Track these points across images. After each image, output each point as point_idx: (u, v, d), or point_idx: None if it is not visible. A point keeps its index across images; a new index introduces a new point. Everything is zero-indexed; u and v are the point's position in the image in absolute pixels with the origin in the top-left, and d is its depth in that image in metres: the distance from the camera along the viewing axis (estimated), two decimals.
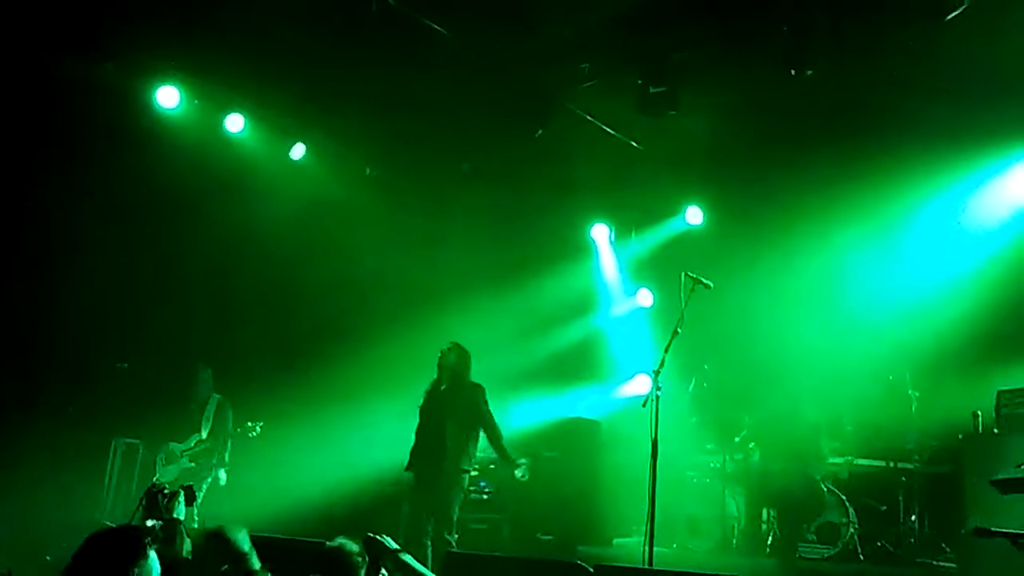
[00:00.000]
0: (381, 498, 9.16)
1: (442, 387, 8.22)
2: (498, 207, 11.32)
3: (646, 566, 6.28)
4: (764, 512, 9.31)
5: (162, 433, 9.24)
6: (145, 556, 2.90)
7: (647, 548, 6.29)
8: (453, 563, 6.21)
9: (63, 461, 8.54)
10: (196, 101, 10.22)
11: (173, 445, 9.26)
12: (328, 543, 4.64)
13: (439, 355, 8.28)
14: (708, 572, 6.18)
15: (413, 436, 8.33)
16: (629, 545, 9.65)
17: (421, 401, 8.32)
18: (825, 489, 9.00)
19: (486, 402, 8.11)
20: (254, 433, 9.33)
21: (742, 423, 9.81)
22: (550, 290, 12.03)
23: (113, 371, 9.60)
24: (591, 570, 5.87)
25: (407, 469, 8.27)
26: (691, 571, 5.29)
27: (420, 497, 8.13)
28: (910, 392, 9.12)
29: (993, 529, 5.68)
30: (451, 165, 11.37)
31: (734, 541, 9.49)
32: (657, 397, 6.59)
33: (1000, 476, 5.88)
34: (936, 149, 8.72)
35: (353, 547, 4.59)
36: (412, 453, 8.28)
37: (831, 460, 9.27)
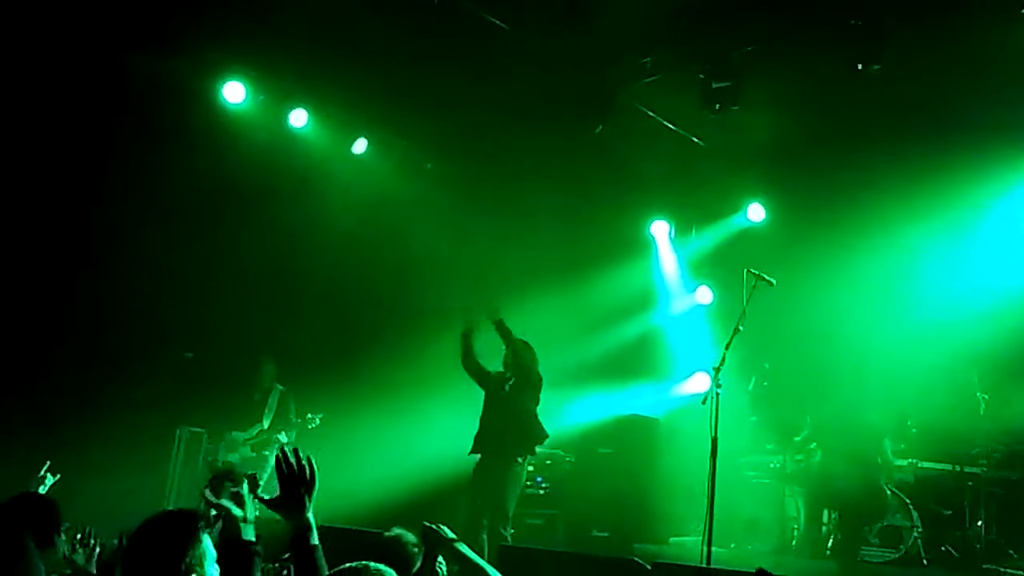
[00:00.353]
0: (439, 491, 9.22)
1: (506, 376, 8.33)
2: (558, 203, 11.29)
3: (705, 565, 6.23)
4: (825, 514, 9.15)
5: (225, 422, 9.43)
6: (198, 539, 2.95)
7: (705, 548, 6.23)
8: (508, 557, 6.22)
9: (129, 448, 8.73)
10: (261, 96, 10.37)
11: (236, 433, 9.44)
12: (385, 533, 4.69)
13: (503, 351, 8.40)
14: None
15: (476, 424, 8.44)
16: (686, 544, 9.57)
17: (491, 379, 8.44)
18: (888, 492, 8.83)
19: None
20: (314, 424, 9.48)
21: (803, 423, 9.66)
22: (610, 287, 11.98)
23: (179, 360, 9.81)
24: (648, 568, 5.85)
25: (472, 452, 8.38)
26: (750, 571, 5.21)
27: (478, 489, 8.24)
28: (978, 395, 8.92)
29: None
30: (512, 161, 11.37)
31: (793, 543, 9.37)
32: (717, 395, 6.54)
33: None
34: (1006, 146, 8.49)
35: (410, 538, 4.62)
36: (476, 439, 8.39)
37: (895, 463, 9.09)
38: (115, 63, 8.90)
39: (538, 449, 8.71)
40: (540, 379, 8.41)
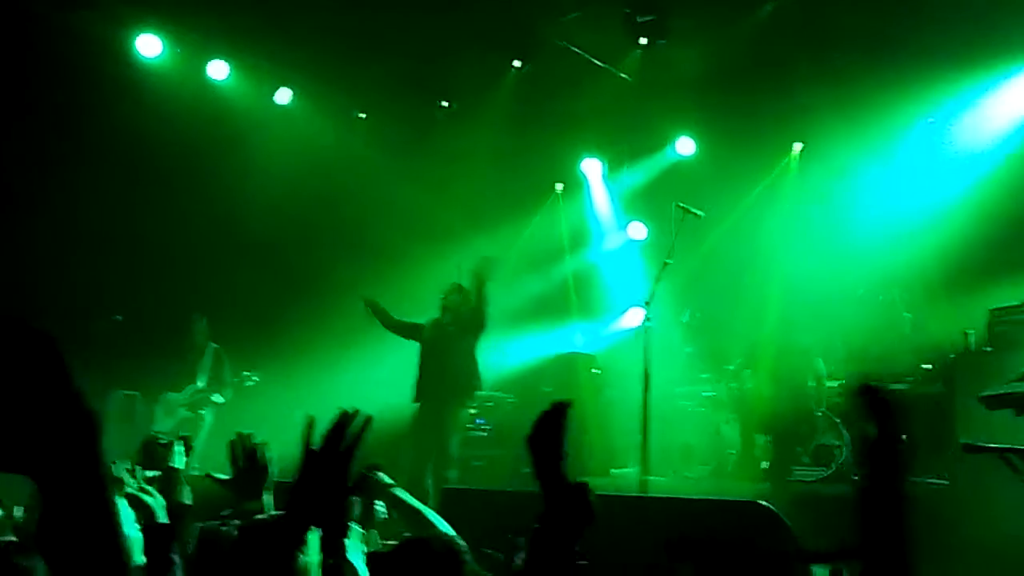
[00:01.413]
0: (381, 439, 9.24)
1: (444, 322, 8.37)
2: (486, 145, 11.22)
3: (640, 494, 6.39)
4: (758, 438, 9.39)
5: (159, 383, 9.33)
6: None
7: (639, 477, 6.38)
8: (450, 499, 6.29)
9: None
10: (178, 49, 10.11)
11: (171, 395, 9.35)
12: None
13: (442, 296, 8.42)
14: (699, 497, 6.28)
15: (416, 371, 8.50)
16: (626, 476, 9.77)
17: (423, 335, 8.48)
18: (819, 413, 9.08)
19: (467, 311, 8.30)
20: (251, 383, 9.44)
21: (735, 351, 9.86)
22: (542, 227, 12.05)
23: (109, 323, 9.63)
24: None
25: (414, 400, 8.46)
26: (679, 496, 5.37)
27: (422, 435, 8.34)
28: (904, 314, 9.18)
29: (981, 444, 5.77)
30: (435, 104, 11.30)
31: (729, 467, 9.62)
32: (648, 329, 6.64)
33: (987, 392, 5.94)
34: (923, 69, 8.64)
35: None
36: (416, 387, 8.45)
37: (828, 384, 9.34)
38: (23, 14, 8.59)
39: (479, 392, 8.83)
40: (484, 326, 8.41)
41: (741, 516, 5.28)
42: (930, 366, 9.08)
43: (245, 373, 9.50)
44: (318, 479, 1.99)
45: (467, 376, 8.45)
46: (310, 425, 2.06)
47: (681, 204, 7.16)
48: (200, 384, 9.41)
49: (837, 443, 9.01)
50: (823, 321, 9.06)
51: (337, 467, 1.99)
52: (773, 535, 5.20)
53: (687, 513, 5.31)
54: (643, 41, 10.09)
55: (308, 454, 2.01)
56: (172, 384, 9.37)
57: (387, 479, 4.64)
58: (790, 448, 8.95)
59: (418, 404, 8.43)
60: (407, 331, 8.60)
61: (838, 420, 9.06)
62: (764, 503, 5.47)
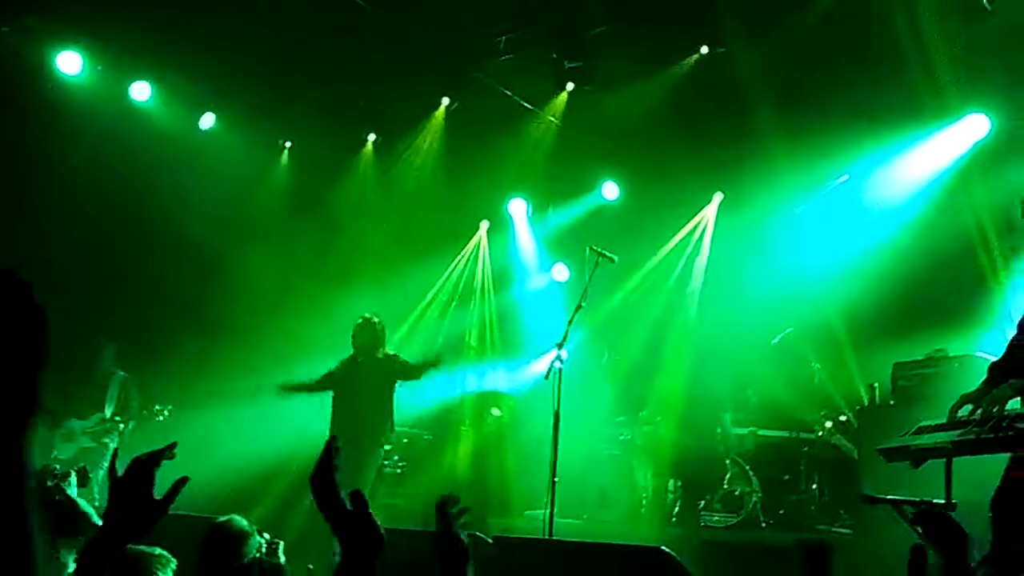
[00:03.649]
0: (291, 475, 9.14)
1: (359, 359, 8.31)
2: (414, 178, 11.24)
3: (546, 536, 6.36)
4: (671, 483, 9.45)
5: (61, 410, 9.00)
6: None
7: (547, 520, 6.35)
8: None
9: None
10: (99, 67, 9.93)
11: (74, 422, 9.01)
12: (218, 518, 4.61)
13: (353, 330, 8.34)
14: (607, 542, 6.26)
15: (330, 411, 8.41)
16: (539, 517, 9.72)
17: (335, 377, 8.40)
18: (728, 461, 9.18)
19: (402, 360, 8.42)
20: (162, 417, 9.17)
21: (649, 396, 9.93)
22: (468, 263, 12.06)
23: None
24: (490, 541, 5.92)
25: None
26: (581, 540, 5.36)
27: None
28: (813, 365, 9.37)
29: (877, 496, 5.86)
30: (360, 136, 11.31)
31: (642, 511, 9.63)
32: (560, 370, 6.65)
33: (885, 445, 6.05)
34: (837, 127, 8.91)
35: (241, 522, 4.56)
36: (331, 428, 8.35)
37: (735, 431, 9.46)
38: None
39: (393, 431, 8.78)
40: (393, 371, 8.43)
41: (644, 562, 5.30)
42: (843, 417, 9.26)
43: (157, 407, 9.22)
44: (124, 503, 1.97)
45: (382, 414, 8.39)
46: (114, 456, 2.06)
47: (595, 247, 7.20)
48: (107, 413, 9.10)
49: (747, 489, 9.11)
50: (734, 370, 9.20)
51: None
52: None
53: (590, 557, 5.30)
54: (570, 86, 10.25)
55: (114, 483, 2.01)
56: (76, 411, 9.04)
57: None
58: (699, 494, 9.03)
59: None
60: (324, 384, 8.49)
61: (748, 467, 9.17)
62: (666, 549, 5.50)
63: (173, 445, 2.14)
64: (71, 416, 8.99)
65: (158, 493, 1.98)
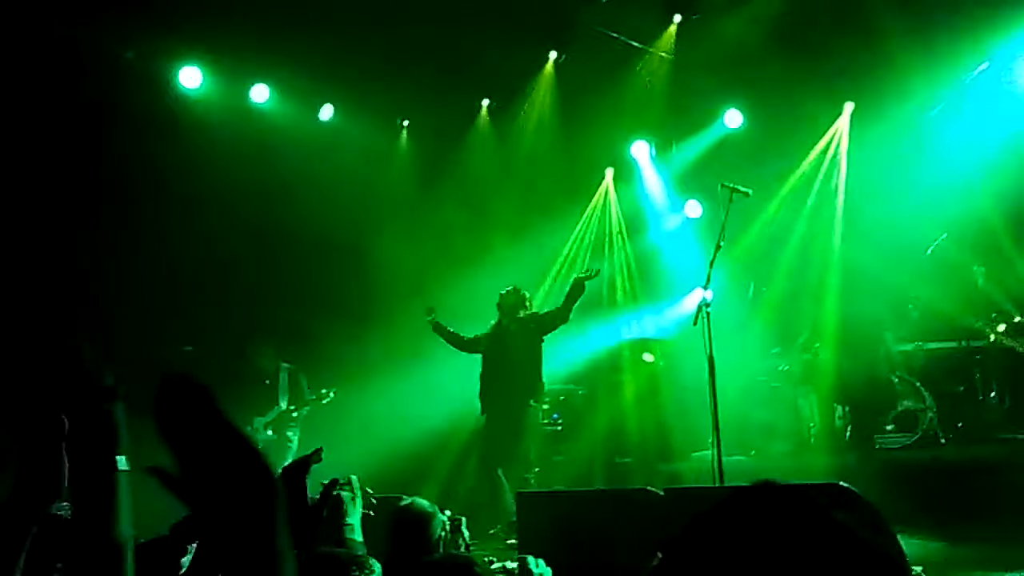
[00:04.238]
0: (451, 450, 9.40)
1: (504, 323, 8.49)
2: (532, 139, 11.18)
3: (716, 481, 6.28)
4: (838, 409, 9.17)
5: (240, 410, 9.42)
6: None
7: (715, 460, 6.28)
8: (525, 503, 6.29)
9: (147, 453, 8.76)
10: (219, 78, 10.27)
11: (257, 419, 9.44)
12: (401, 501, 4.74)
13: (499, 298, 8.56)
14: (780, 478, 6.13)
15: (480, 381, 8.57)
16: (706, 458, 9.65)
17: (482, 345, 8.54)
18: (895, 379, 8.83)
19: (544, 311, 8.70)
20: (328, 399, 9.52)
21: (803, 325, 9.63)
22: (596, 216, 11.93)
23: (180, 356, 9.80)
24: (661, 493, 5.91)
25: (482, 412, 8.57)
26: (756, 480, 5.24)
27: (492, 443, 8.40)
28: (974, 268, 8.87)
29: None
30: (474, 104, 11.30)
31: (811, 441, 9.41)
32: (708, 313, 6.52)
33: None
34: (971, 13, 8.31)
35: (423, 503, 4.67)
36: (481, 396, 8.52)
37: (897, 349, 9.07)
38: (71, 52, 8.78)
39: (549, 387, 8.87)
40: (539, 325, 8.57)
41: (826, 499, 5.15)
42: (1017, 319, 8.77)
43: (323, 391, 9.59)
44: None
45: (531, 375, 8.50)
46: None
47: (727, 184, 6.99)
48: (282, 405, 9.51)
49: (920, 406, 8.78)
50: (890, 286, 8.80)
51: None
52: (856, 516, 5.06)
53: (766, 499, 5.20)
54: (677, 18, 9.95)
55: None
56: (255, 410, 9.46)
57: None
58: (870, 417, 8.73)
59: (485, 413, 8.50)
60: (470, 346, 8.76)
61: (918, 384, 8.82)
62: (845, 485, 5.33)
63: (320, 450, 2.19)
64: (253, 414, 9.42)
65: None
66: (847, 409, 8.97)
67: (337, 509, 3.62)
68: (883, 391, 8.62)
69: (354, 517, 3.58)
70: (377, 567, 3.00)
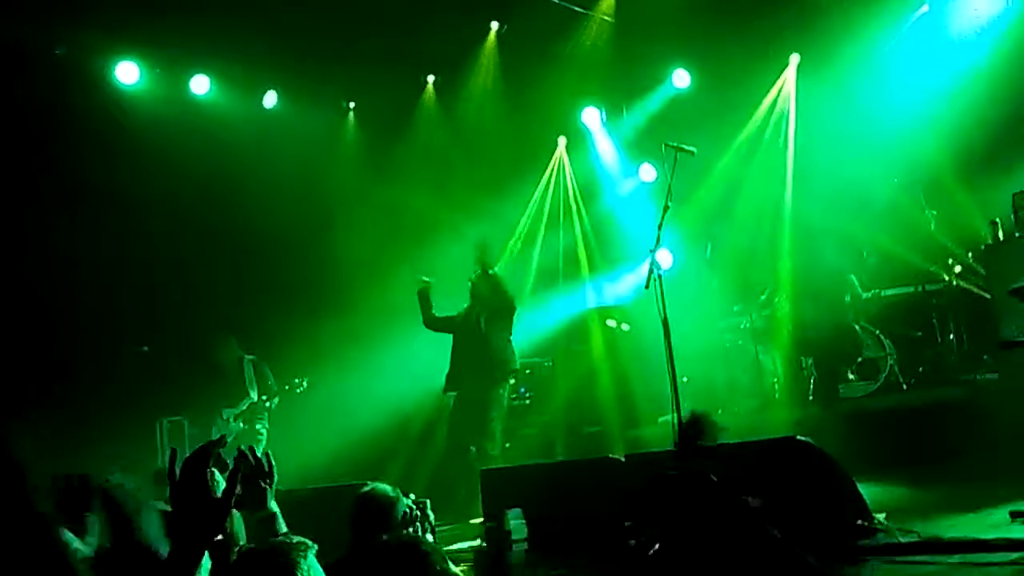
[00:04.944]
0: (415, 432, 9.36)
1: (476, 309, 8.58)
2: (480, 113, 11.05)
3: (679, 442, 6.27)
4: (801, 361, 9.21)
5: (205, 404, 9.32)
6: None
7: (676, 424, 6.26)
8: (490, 479, 6.27)
9: (110, 453, 8.64)
10: (156, 71, 10.05)
11: (225, 411, 9.32)
12: (361, 489, 4.70)
13: (470, 284, 8.62)
14: (748, 438, 6.15)
15: (450, 360, 8.58)
16: (671, 422, 9.67)
17: (456, 319, 8.62)
18: (858, 328, 8.87)
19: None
20: (301, 389, 9.43)
21: (764, 279, 9.65)
22: (552, 184, 11.87)
23: (135, 356, 9.66)
24: (623, 460, 5.90)
25: (445, 391, 8.57)
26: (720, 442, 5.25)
27: (459, 420, 8.41)
28: (926, 212, 8.90)
29: (1018, 339, 5.58)
30: (419, 81, 11.16)
31: (776, 396, 9.46)
32: (660, 276, 6.48)
33: (1018, 284, 5.74)
34: None
35: (385, 488, 4.62)
36: (450, 376, 8.50)
37: (862, 297, 9.13)
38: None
39: (515, 372, 8.88)
40: (515, 308, 8.66)
41: (780, 455, 5.16)
42: (962, 263, 8.82)
43: (296, 380, 9.49)
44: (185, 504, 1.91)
45: (502, 359, 8.58)
46: (172, 458, 2.02)
47: (670, 143, 6.92)
48: (253, 396, 9.40)
49: (881, 354, 8.82)
50: (844, 234, 8.82)
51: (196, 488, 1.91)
52: (815, 467, 5.08)
53: (722, 460, 5.19)
54: None
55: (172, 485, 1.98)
56: (224, 402, 9.35)
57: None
58: (834, 367, 8.76)
59: (454, 393, 8.48)
60: (444, 326, 8.78)
61: (877, 332, 8.86)
62: (802, 438, 5.35)
63: (222, 439, 2.14)
64: (223, 408, 9.31)
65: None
66: (811, 361, 9.01)
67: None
68: (848, 340, 8.67)
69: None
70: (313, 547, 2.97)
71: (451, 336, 8.75)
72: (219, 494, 1.98)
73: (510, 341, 8.67)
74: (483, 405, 8.40)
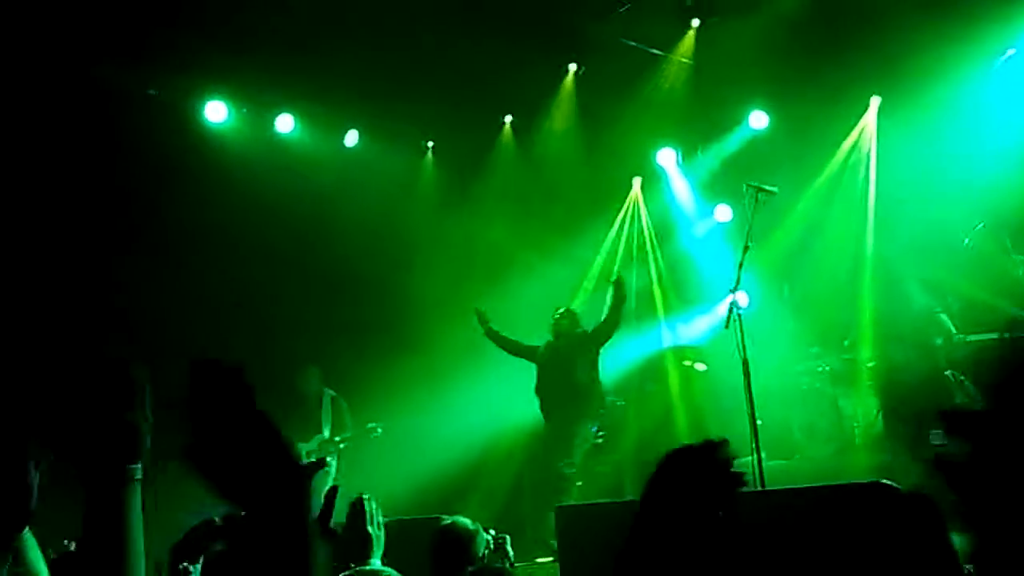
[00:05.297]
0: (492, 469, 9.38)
1: (560, 344, 8.68)
2: (557, 154, 11.16)
3: (757, 486, 6.19)
4: (886, 407, 8.97)
5: (284, 433, 9.43)
6: None
7: (755, 465, 6.19)
8: (565, 516, 6.23)
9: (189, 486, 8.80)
10: (243, 110, 10.38)
11: (300, 446, 9.46)
12: (442, 520, 4.73)
13: (553, 322, 8.77)
14: (820, 484, 6.04)
15: (537, 394, 8.70)
16: (748, 463, 9.52)
17: (538, 357, 8.74)
18: (948, 373, 8.62)
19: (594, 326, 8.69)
20: (375, 435, 9.51)
21: (844, 322, 9.46)
22: (626, 226, 11.89)
23: None
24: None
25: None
26: (798, 486, 5.17)
27: (548, 452, 8.47)
28: (1014, 257, 8.68)
29: None
30: (497, 121, 11.32)
31: (857, 440, 9.25)
32: (739, 315, 6.45)
33: None
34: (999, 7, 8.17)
35: (465, 522, 4.66)
36: (542, 408, 8.67)
37: (955, 339, 8.86)
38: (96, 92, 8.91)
39: (603, 406, 8.95)
40: (613, 334, 8.70)
41: (864, 500, 5.04)
42: None
43: (370, 425, 9.58)
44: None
45: (591, 388, 8.63)
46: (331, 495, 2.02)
47: (752, 183, 6.91)
48: (325, 433, 9.50)
49: (966, 401, 8.56)
50: (928, 279, 8.64)
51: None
52: (902, 516, 4.94)
53: (802, 503, 5.10)
54: (695, 22, 9.92)
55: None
56: (300, 435, 9.49)
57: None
58: (923, 414, 8.45)
59: (546, 423, 8.67)
60: (525, 353, 8.87)
61: (963, 378, 8.62)
62: (887, 482, 5.21)
63: (323, 461, 2.19)
64: (297, 440, 9.45)
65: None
66: (892, 407, 8.77)
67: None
68: (936, 386, 8.32)
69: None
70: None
71: (530, 368, 8.83)
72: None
73: (599, 373, 8.74)
74: (567, 442, 8.45)
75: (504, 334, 8.96)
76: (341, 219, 10.31)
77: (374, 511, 4.05)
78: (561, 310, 8.80)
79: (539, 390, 8.72)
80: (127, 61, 9.04)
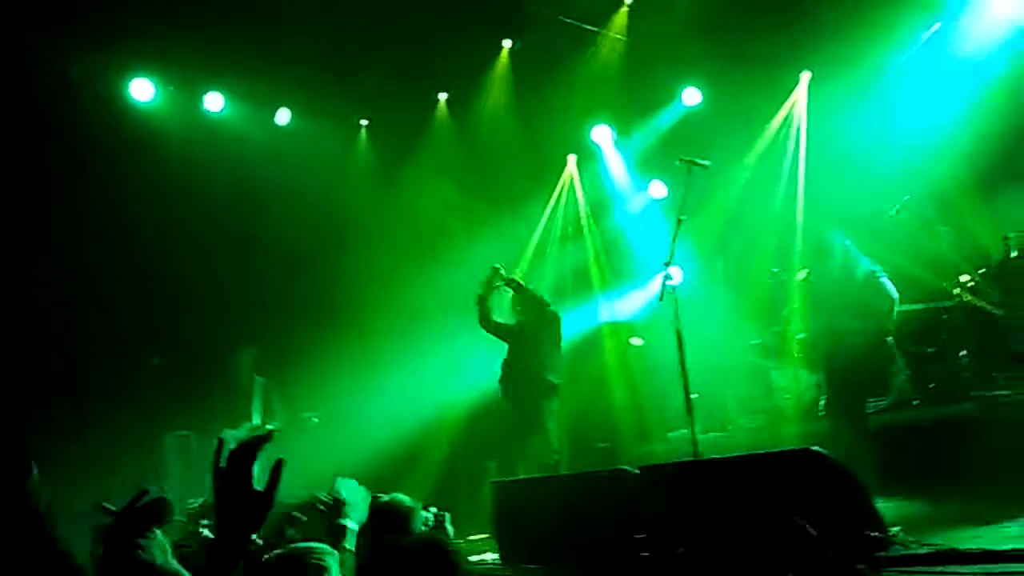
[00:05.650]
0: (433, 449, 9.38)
1: (521, 322, 8.73)
2: (491, 130, 11.13)
3: (694, 456, 6.29)
4: (813, 376, 9.14)
5: (211, 421, 9.31)
6: None
7: (692, 439, 6.28)
8: (503, 491, 6.27)
9: (118, 464, 8.66)
10: (171, 88, 10.15)
11: (227, 432, 9.30)
12: (380, 498, 4.70)
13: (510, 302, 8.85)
14: (754, 452, 6.16)
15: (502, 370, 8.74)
16: (683, 437, 9.65)
17: (515, 329, 8.77)
18: (889, 340, 8.64)
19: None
20: (312, 424, 9.40)
21: (774, 296, 9.60)
22: (563, 201, 11.92)
23: (149, 368, 9.69)
24: (636, 472, 5.91)
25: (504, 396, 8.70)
26: (727, 456, 5.26)
27: (514, 419, 8.60)
28: (939, 229, 8.90)
29: None
30: (431, 98, 11.24)
31: (788, 412, 9.42)
32: (674, 290, 6.51)
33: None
34: None
35: (404, 499, 4.64)
36: (502, 381, 8.70)
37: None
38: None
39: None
40: (555, 316, 8.76)
41: (794, 466, 5.16)
42: (973, 279, 8.76)
43: (306, 414, 9.47)
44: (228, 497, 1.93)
45: (548, 371, 8.64)
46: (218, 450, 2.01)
47: (684, 158, 6.97)
48: (255, 420, 9.36)
49: (893, 370, 8.77)
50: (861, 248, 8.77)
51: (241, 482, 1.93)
52: (830, 481, 5.07)
53: (737, 471, 5.20)
54: None
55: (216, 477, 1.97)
56: (226, 421, 9.34)
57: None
58: (861, 382, 8.41)
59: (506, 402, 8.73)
60: (498, 332, 8.82)
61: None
62: (817, 449, 5.33)
63: (270, 433, 2.15)
64: (224, 426, 9.30)
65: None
66: (822, 376, 8.90)
67: None
68: (878, 354, 8.20)
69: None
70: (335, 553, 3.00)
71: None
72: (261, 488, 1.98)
73: (557, 353, 8.77)
74: (535, 415, 8.51)
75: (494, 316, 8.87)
76: (274, 198, 10.17)
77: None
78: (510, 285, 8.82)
79: (510, 362, 8.77)
80: (46, 35, 8.76)
